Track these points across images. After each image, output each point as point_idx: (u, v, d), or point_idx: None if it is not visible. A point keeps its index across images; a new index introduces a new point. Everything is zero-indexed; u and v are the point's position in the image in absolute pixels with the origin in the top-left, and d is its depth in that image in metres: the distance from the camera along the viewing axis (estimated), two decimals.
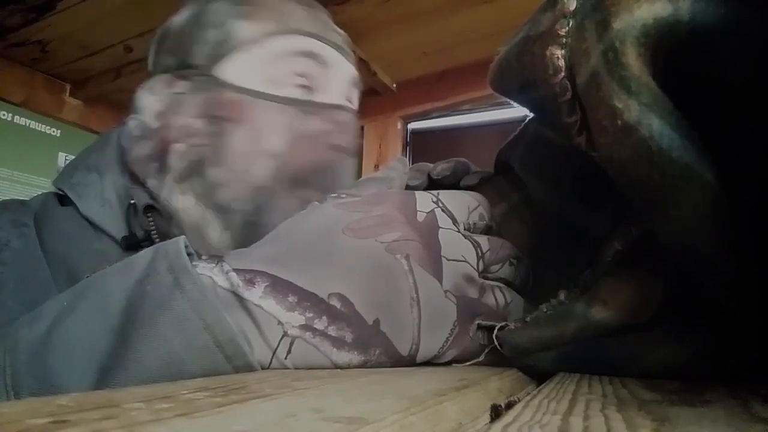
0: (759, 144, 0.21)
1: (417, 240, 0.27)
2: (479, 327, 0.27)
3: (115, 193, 0.42)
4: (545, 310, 0.27)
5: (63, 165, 1.57)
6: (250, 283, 0.23)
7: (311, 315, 0.23)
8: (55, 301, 0.25)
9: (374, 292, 0.25)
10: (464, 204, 0.31)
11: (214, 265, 0.24)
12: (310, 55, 0.43)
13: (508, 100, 0.30)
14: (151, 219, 0.40)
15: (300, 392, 0.16)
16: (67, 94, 1.58)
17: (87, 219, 0.41)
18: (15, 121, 1.48)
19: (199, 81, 0.42)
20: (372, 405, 0.14)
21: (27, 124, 1.51)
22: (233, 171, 0.40)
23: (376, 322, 0.24)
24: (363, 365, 0.24)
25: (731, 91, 0.21)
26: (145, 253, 0.24)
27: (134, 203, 0.41)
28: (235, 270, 0.24)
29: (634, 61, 0.20)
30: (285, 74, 0.43)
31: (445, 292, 0.26)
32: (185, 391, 0.15)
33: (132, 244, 0.40)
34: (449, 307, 0.26)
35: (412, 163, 0.44)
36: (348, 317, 0.24)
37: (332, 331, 0.23)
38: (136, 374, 0.21)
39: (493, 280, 0.29)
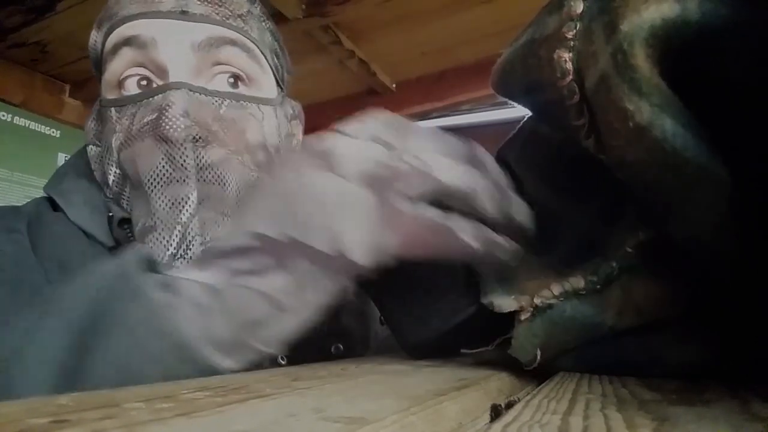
0: (763, 143, 0.21)
1: (314, 156, 0.26)
2: (498, 343, 0.27)
3: (102, 200, 0.42)
4: (558, 296, 0.26)
5: None
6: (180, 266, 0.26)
7: (233, 263, 0.24)
8: (21, 316, 0.25)
9: (279, 214, 0.25)
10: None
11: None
12: (130, 41, 0.38)
13: (512, 103, 0.30)
14: (128, 231, 0.39)
15: (300, 392, 0.16)
16: (67, 94, 1.58)
17: (77, 226, 0.41)
18: (15, 121, 1.48)
19: (98, 105, 0.43)
20: (372, 405, 0.14)
21: (27, 125, 1.51)
22: (107, 186, 0.41)
23: (288, 236, 0.24)
24: (298, 285, 0.24)
25: (735, 91, 0.21)
26: (103, 267, 0.25)
27: (112, 215, 0.40)
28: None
29: (643, 62, 0.20)
30: (118, 72, 0.39)
31: (350, 180, 0.25)
32: (185, 391, 0.15)
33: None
34: (357, 192, 0.25)
35: None
36: (264, 247, 0.24)
37: (254, 265, 0.24)
38: (93, 386, 0.21)
39: None
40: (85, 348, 0.22)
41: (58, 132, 1.58)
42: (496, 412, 0.17)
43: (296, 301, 0.23)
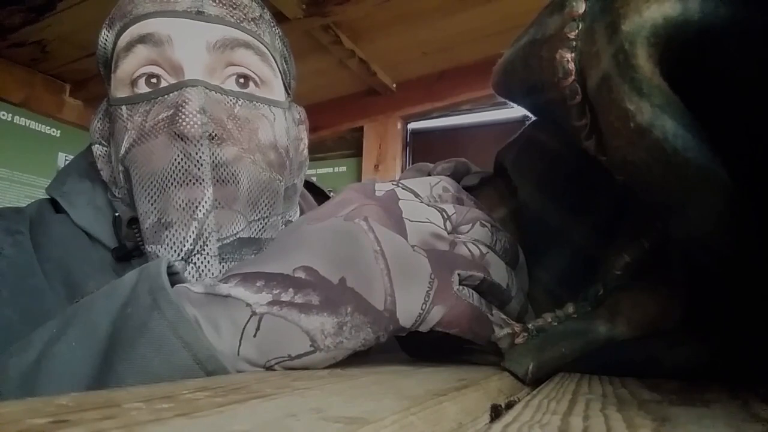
0: (763, 143, 0.21)
1: (375, 204, 0.27)
2: (491, 342, 0.27)
3: (106, 201, 0.42)
4: (551, 321, 0.27)
5: (63, 165, 1.57)
6: (224, 281, 0.25)
7: (278, 291, 0.24)
8: (45, 329, 0.25)
9: (336, 255, 0.25)
10: (425, 182, 0.31)
11: (196, 279, 0.24)
12: (145, 39, 0.38)
13: (512, 103, 0.30)
14: (137, 231, 0.39)
15: (300, 392, 0.16)
16: (67, 94, 1.58)
17: (80, 228, 0.41)
18: (15, 121, 1.48)
19: (106, 104, 0.43)
20: (372, 405, 0.14)
21: (27, 124, 1.51)
22: (116, 185, 0.41)
23: (342, 280, 0.24)
24: (339, 328, 0.23)
25: (735, 90, 0.21)
26: (129, 276, 0.25)
27: (118, 215, 0.40)
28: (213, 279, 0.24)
29: (644, 62, 0.20)
30: (131, 70, 0.39)
31: (412, 246, 0.26)
32: (185, 391, 0.15)
33: (123, 255, 0.40)
34: (419, 260, 0.25)
35: (412, 163, 0.43)
36: (313, 283, 0.24)
37: (299, 298, 0.24)
38: None
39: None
40: (110, 358, 0.22)
41: (58, 131, 1.58)
42: (496, 412, 0.17)
43: (332, 343, 0.23)
